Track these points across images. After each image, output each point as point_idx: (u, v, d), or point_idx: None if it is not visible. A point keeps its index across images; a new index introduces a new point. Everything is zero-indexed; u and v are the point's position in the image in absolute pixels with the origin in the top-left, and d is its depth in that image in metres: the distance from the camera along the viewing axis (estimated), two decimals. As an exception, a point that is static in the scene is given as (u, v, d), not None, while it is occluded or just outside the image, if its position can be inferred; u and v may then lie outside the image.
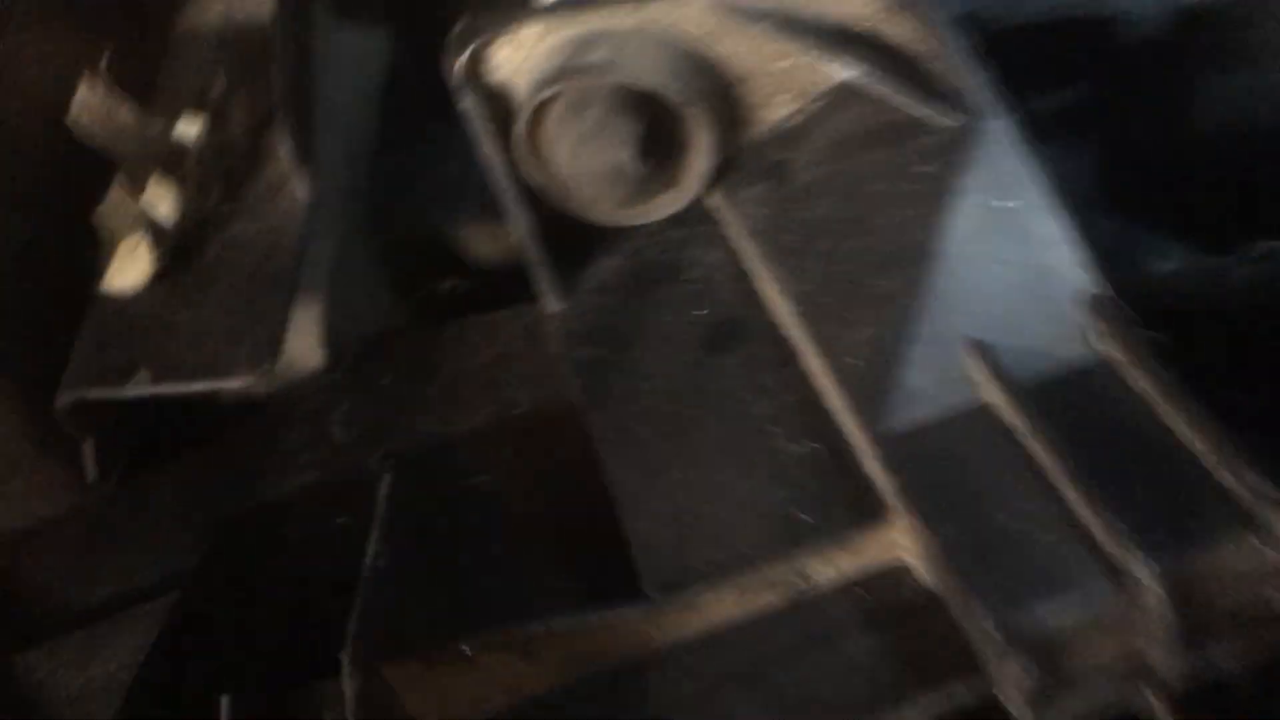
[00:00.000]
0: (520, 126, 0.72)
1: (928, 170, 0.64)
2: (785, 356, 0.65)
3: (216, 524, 0.75)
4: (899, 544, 0.58)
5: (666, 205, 0.75)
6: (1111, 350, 0.57)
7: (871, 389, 0.59)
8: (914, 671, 0.54)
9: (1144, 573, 0.48)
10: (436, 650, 0.56)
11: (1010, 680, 0.50)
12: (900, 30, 0.68)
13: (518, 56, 0.72)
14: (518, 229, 0.74)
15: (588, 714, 0.57)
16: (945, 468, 0.56)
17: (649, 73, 0.70)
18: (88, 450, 0.78)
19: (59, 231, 0.78)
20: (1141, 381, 0.56)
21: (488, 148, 0.73)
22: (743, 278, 0.70)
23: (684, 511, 0.61)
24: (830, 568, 0.58)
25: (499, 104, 0.73)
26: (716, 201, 0.73)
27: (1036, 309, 0.59)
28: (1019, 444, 0.55)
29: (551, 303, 0.73)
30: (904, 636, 0.56)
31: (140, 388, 0.73)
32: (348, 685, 0.52)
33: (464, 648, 0.56)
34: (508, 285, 0.80)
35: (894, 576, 0.58)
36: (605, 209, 0.75)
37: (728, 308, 0.69)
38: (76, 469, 0.78)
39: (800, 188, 0.70)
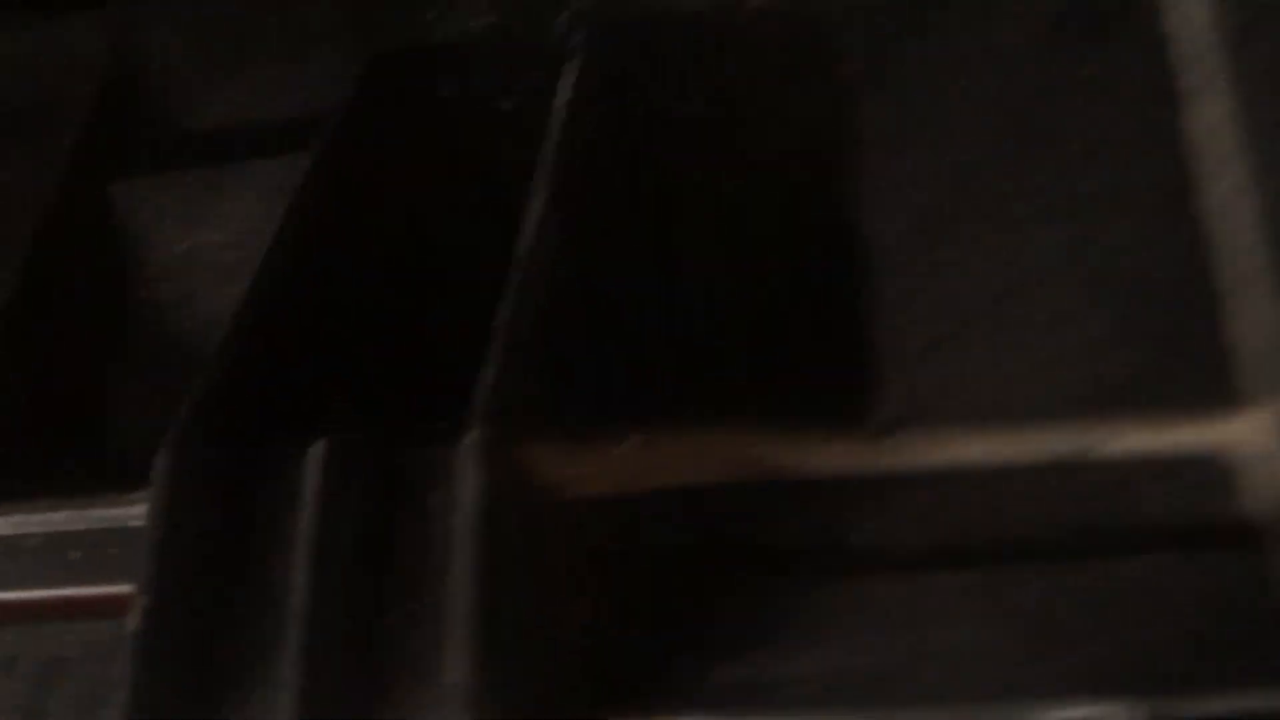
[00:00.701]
0: None
1: None
2: (1167, 94, 0.44)
3: (365, 63, 0.59)
4: (1243, 439, 0.41)
5: None
6: None
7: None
8: (1216, 639, 0.39)
9: None
10: (593, 436, 0.43)
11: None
12: None
13: None
14: None
15: (768, 515, 0.44)
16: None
17: None
18: None
19: None
20: None
21: None
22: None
23: (961, 304, 0.44)
24: (1135, 443, 0.42)
25: None
26: None
27: None
28: None
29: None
30: (1210, 565, 0.41)
31: None
32: (470, 475, 0.40)
33: (624, 446, 0.42)
34: None
35: (1218, 476, 0.42)
36: None
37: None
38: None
39: None
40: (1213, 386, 0.42)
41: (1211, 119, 0.42)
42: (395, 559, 0.40)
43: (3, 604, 0.49)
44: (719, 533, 0.44)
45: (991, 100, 0.46)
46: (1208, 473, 0.42)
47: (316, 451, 0.42)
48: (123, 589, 0.47)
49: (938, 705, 0.37)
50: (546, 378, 0.43)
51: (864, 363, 0.43)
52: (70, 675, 0.48)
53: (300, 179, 0.54)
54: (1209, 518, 0.42)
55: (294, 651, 0.39)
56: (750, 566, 0.43)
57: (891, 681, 0.38)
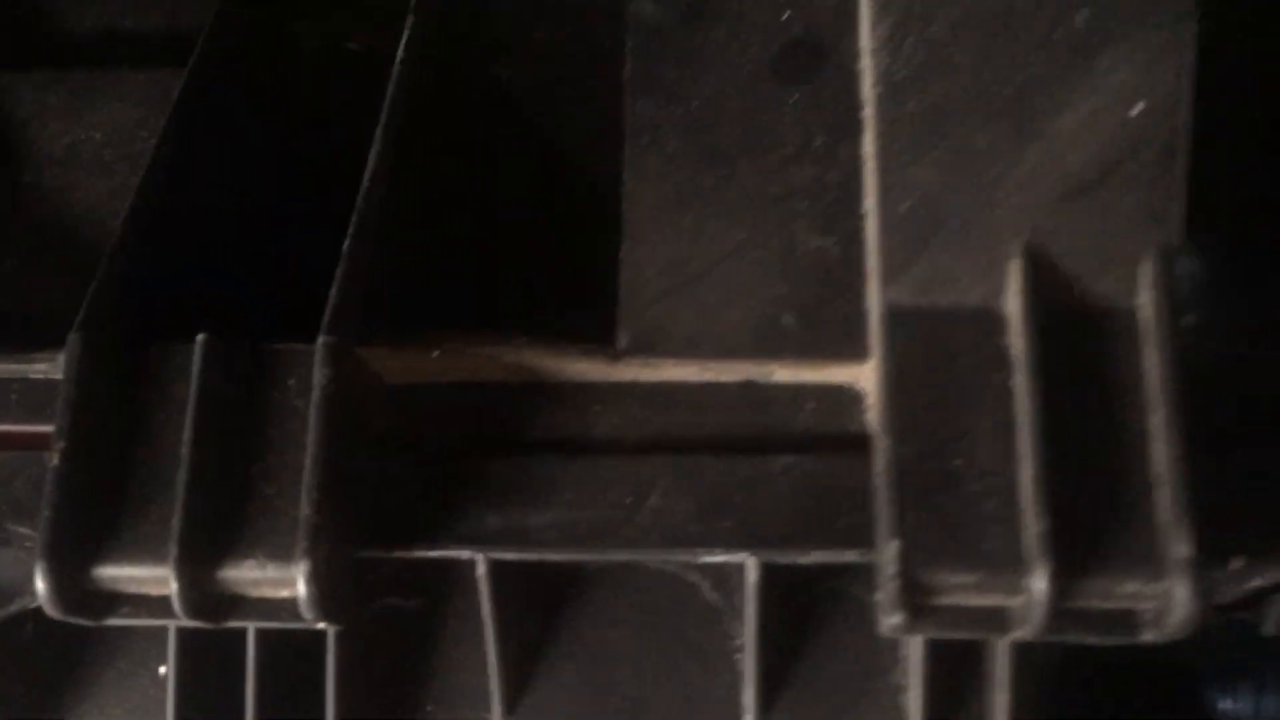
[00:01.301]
0: None
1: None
2: (849, 124, 0.61)
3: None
4: (866, 379, 0.60)
5: None
6: (1146, 305, 0.56)
7: (908, 242, 0.57)
8: (821, 515, 0.58)
9: (1042, 582, 0.52)
10: (409, 342, 0.58)
11: (891, 561, 0.54)
12: None
13: None
14: None
15: (533, 408, 0.61)
16: (935, 356, 0.56)
17: None
18: None
19: None
20: (1150, 356, 0.55)
21: None
22: (846, -14, 0.62)
23: (685, 265, 0.60)
24: (794, 375, 0.60)
25: None
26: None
27: (1102, 229, 0.56)
28: (1009, 372, 0.56)
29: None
30: (828, 465, 0.59)
31: None
32: (320, 367, 0.55)
33: (434, 352, 0.58)
34: None
35: (848, 403, 0.61)
36: None
37: (815, 24, 0.63)
38: None
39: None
40: (853, 340, 0.60)
41: (867, 149, 0.60)
42: (260, 426, 0.55)
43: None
44: (495, 417, 0.60)
45: (724, 112, 0.62)
46: (843, 400, 0.61)
47: (201, 341, 0.56)
48: (23, 427, 0.60)
49: (631, 547, 0.55)
50: (377, 296, 0.58)
51: (611, 302, 0.60)
52: (-24, 495, 0.61)
53: (175, 96, 0.66)
54: (841, 430, 0.61)
55: (180, 489, 0.54)
56: (515, 445, 0.59)
57: (606, 531, 0.56)
